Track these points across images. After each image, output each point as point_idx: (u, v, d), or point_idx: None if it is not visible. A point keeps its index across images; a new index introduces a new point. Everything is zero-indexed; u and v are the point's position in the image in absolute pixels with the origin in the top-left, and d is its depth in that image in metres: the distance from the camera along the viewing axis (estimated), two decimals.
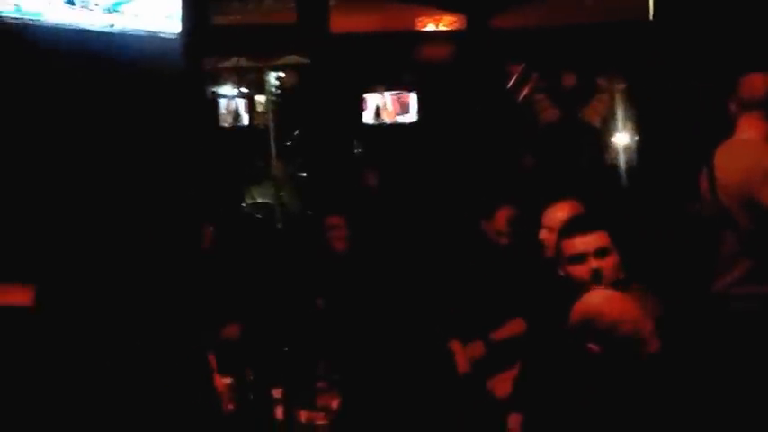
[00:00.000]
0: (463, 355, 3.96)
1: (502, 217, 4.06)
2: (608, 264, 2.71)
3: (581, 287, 2.63)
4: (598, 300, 2.39)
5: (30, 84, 4.17)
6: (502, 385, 3.33)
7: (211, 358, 3.27)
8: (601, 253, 2.74)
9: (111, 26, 4.59)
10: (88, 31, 4.52)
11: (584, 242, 2.75)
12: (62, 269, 2.14)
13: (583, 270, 2.72)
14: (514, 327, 3.89)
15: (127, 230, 4.56)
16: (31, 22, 4.21)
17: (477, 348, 3.92)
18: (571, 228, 2.86)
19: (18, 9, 4.01)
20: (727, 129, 3.46)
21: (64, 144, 4.38)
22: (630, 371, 2.25)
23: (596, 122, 5.59)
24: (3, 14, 4.00)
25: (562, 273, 2.87)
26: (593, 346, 2.28)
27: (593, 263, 2.72)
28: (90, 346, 1.97)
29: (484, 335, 3.94)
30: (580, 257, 2.75)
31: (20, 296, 1.95)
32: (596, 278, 2.67)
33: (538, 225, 3.39)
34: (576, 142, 5.53)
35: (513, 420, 3.01)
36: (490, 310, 3.97)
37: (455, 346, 3.98)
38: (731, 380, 2.52)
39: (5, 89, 4.03)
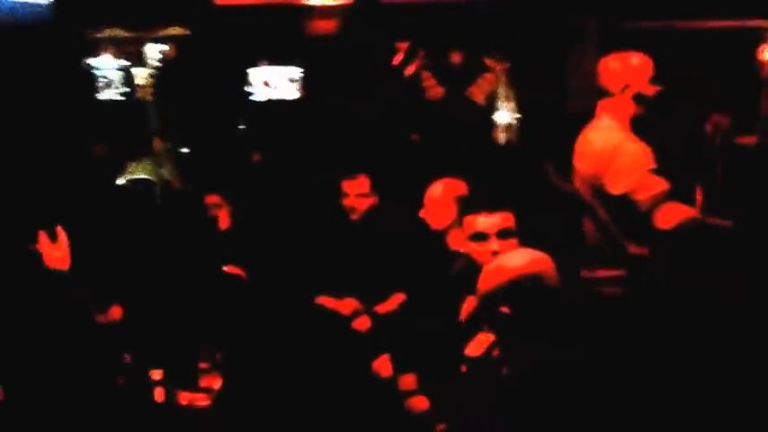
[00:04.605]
0: (338, 303, 3.97)
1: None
2: (509, 247, 2.66)
3: (478, 266, 2.60)
4: (525, 260, 2.31)
5: None
6: (387, 366, 3.32)
7: None
8: (504, 234, 2.72)
9: None
10: None
11: (488, 222, 2.73)
12: None
13: (483, 250, 2.70)
14: (398, 300, 3.94)
15: None
16: None
17: (363, 323, 3.94)
18: (475, 204, 2.82)
19: None
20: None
21: None
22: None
23: (481, 101, 5.67)
24: None
25: (462, 249, 2.87)
26: (505, 309, 2.24)
27: (495, 244, 2.69)
28: None
29: (368, 309, 3.99)
30: (481, 236, 2.74)
31: None
32: None
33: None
34: (461, 120, 5.59)
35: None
36: (369, 285, 4.01)
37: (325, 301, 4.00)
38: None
39: None
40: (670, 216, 3.14)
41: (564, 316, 2.26)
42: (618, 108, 3.32)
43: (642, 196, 3.16)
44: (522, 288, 2.24)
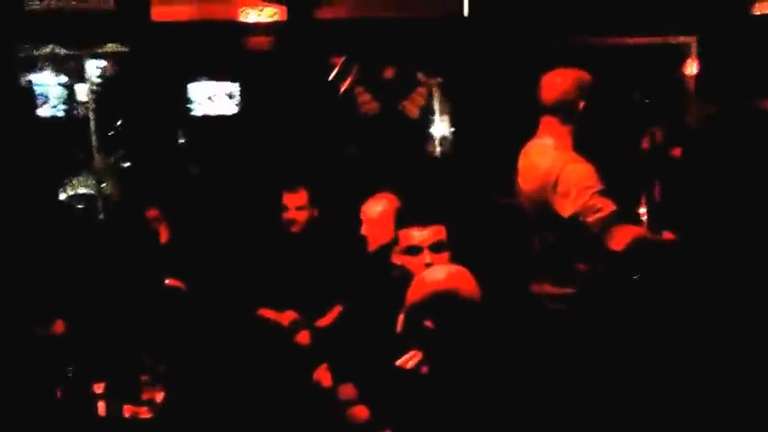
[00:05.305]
0: (278, 315, 4.03)
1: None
2: (442, 260, 2.75)
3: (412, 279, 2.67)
4: (442, 275, 2.36)
5: None
6: (326, 376, 3.36)
7: None
8: (436, 247, 2.80)
9: None
10: None
11: (421, 235, 2.82)
12: None
13: (417, 263, 2.77)
14: (337, 312, 4.02)
15: None
16: None
17: (303, 337, 4.01)
18: (410, 219, 2.89)
19: None
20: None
21: None
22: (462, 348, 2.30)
23: (415, 115, 5.78)
24: None
25: (397, 261, 2.93)
26: (429, 323, 2.29)
27: (428, 257, 2.78)
28: None
29: (309, 324, 4.06)
30: (415, 250, 2.82)
31: None
32: None
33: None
34: (396, 135, 5.70)
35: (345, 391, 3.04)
36: (309, 297, 4.08)
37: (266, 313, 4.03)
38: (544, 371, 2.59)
39: None
40: (621, 237, 3.10)
41: (487, 330, 2.33)
42: (560, 125, 3.28)
43: (591, 218, 3.11)
44: (441, 303, 2.30)
